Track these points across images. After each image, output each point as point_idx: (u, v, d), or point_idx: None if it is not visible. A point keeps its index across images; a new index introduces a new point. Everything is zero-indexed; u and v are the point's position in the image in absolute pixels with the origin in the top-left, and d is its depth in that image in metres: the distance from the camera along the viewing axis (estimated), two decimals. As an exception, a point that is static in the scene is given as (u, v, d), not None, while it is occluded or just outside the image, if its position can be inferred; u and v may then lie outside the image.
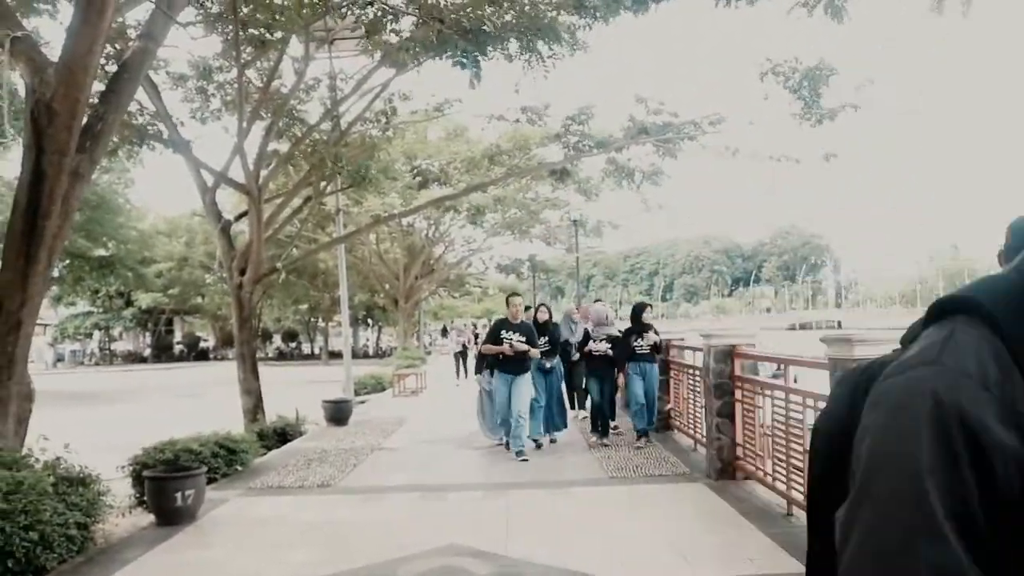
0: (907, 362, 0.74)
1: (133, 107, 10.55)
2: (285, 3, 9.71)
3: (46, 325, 41.64)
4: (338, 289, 17.11)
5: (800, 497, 5.48)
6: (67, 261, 25.52)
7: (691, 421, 8.91)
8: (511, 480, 7.57)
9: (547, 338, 9.69)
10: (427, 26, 8.69)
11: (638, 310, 9.66)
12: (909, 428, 0.69)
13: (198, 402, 19.29)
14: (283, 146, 13.08)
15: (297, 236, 18.66)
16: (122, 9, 7.88)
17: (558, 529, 5.80)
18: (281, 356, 48.01)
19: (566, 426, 10.12)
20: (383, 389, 19.42)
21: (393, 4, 9.49)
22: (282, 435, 11.29)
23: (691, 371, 8.99)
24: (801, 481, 5.56)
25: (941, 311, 0.78)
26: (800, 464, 5.53)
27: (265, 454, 9.76)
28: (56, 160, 5.43)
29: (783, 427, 5.73)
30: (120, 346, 48.44)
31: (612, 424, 9.91)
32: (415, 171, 21.61)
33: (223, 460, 7.97)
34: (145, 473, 6.43)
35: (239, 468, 8.33)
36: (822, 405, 4.88)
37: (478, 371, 9.73)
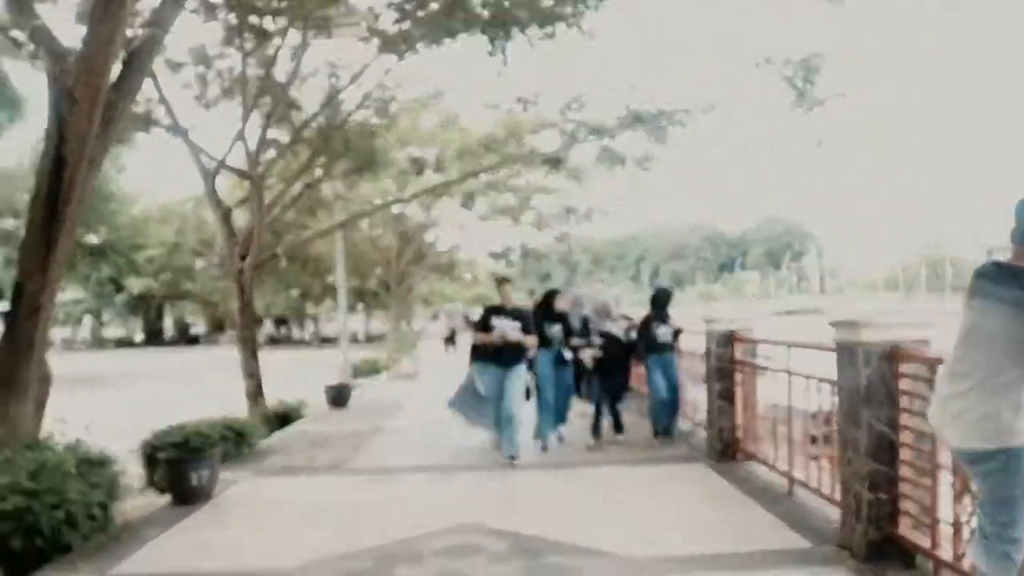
0: None
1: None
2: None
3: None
4: (329, 275, 17.23)
5: (801, 477, 5.68)
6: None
7: (689, 406, 9.05)
8: (516, 461, 7.74)
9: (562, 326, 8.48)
10: (451, 10, 8.79)
11: (663, 297, 8.81)
12: None
13: (194, 386, 19.40)
14: (283, 134, 13.14)
15: (294, 222, 18.74)
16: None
17: (566, 508, 5.97)
18: (272, 341, 48.06)
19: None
20: (378, 372, 19.66)
21: None
22: (283, 418, 11.46)
23: (689, 356, 9.10)
24: (801, 461, 5.78)
25: None
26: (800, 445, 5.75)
27: (268, 436, 9.93)
28: (76, 148, 5.53)
29: (785, 409, 5.93)
30: (111, 331, 48.34)
31: (620, 437, 8.58)
32: (412, 158, 21.75)
33: (232, 442, 8.09)
34: (161, 455, 6.54)
35: (246, 450, 8.47)
36: (824, 387, 5.08)
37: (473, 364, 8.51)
